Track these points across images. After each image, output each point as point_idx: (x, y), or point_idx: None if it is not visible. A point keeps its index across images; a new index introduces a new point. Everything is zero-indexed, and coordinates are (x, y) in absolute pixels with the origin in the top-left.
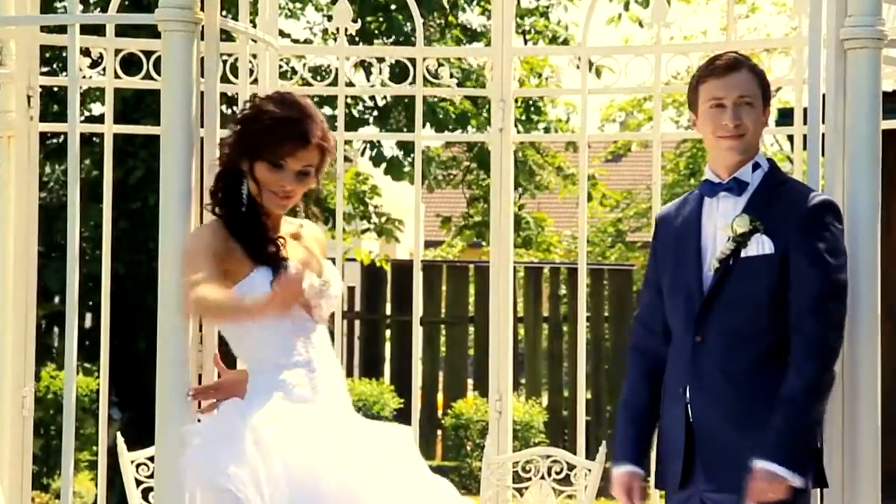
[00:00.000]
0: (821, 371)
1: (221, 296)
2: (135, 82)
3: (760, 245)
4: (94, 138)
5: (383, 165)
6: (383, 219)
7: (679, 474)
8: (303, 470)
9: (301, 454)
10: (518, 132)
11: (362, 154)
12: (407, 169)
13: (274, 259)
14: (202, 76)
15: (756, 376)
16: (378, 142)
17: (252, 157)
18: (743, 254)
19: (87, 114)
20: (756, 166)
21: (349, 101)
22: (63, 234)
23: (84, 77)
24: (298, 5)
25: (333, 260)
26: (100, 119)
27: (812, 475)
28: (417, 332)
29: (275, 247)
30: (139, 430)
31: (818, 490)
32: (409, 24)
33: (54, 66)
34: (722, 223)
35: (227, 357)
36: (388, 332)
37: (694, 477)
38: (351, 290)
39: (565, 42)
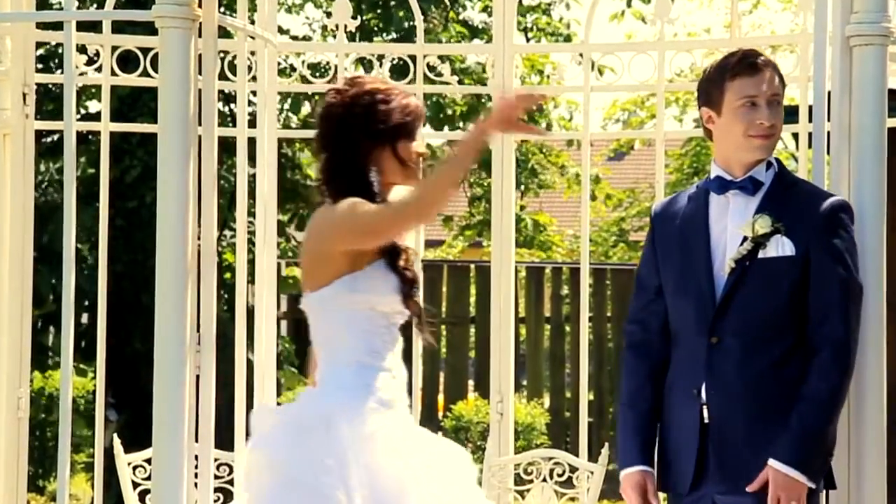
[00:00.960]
0: (846, 374)
1: (411, 190)
2: (131, 80)
3: (780, 246)
4: (91, 136)
5: None
6: None
7: (690, 476)
8: (389, 474)
9: (388, 458)
10: None
11: None
12: None
13: (398, 256)
14: (200, 73)
15: (775, 377)
16: None
17: (392, 139)
18: (761, 254)
19: (83, 111)
20: (769, 165)
21: None
22: (55, 237)
23: (80, 74)
24: (297, 1)
25: None
26: (96, 117)
27: (824, 477)
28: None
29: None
30: (136, 432)
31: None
32: (409, 21)
33: (50, 63)
34: (735, 222)
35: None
36: None
37: (706, 479)
38: None
39: (567, 39)
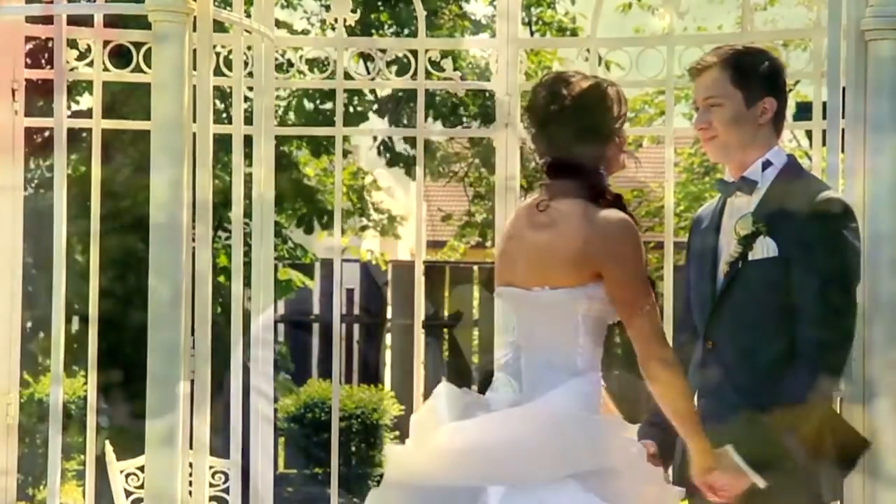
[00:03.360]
0: (819, 379)
1: (684, 392)
2: (124, 75)
3: (765, 248)
4: (84, 133)
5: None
6: (384, 215)
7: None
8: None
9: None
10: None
11: (382, 156)
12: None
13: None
14: (194, 69)
15: (766, 386)
16: (389, 140)
17: (618, 132)
18: (750, 257)
19: (74, 108)
20: (767, 164)
21: (349, 95)
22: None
23: (71, 70)
24: None
25: (331, 260)
26: (87, 114)
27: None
28: (419, 336)
29: None
30: (129, 439)
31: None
32: (412, 19)
33: (40, 58)
34: (732, 224)
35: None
36: (388, 337)
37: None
38: (350, 291)
39: (573, 33)
